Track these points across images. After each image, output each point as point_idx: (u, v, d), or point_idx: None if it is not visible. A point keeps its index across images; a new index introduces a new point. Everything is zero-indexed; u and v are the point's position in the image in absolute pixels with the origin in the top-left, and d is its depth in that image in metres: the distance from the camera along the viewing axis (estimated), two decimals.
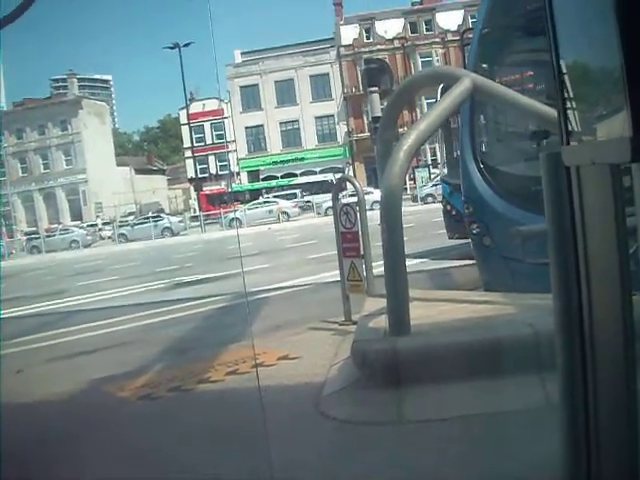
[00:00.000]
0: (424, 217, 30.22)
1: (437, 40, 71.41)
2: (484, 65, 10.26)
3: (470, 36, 10.99)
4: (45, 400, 8.35)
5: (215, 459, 5.70)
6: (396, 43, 72.39)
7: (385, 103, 10.50)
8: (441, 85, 10.21)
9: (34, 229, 72.07)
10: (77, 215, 78.95)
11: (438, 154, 66.44)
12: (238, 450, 5.80)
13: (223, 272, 20.50)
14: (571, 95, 1.76)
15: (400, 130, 11.64)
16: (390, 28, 72.76)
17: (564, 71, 1.77)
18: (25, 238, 63.45)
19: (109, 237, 57.59)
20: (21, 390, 9.12)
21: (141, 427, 6.96)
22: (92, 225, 65.12)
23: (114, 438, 6.64)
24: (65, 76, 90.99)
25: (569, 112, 1.76)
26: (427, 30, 72.99)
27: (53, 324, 14.84)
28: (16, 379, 9.89)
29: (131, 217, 67.68)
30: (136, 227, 55.16)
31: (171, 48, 68.78)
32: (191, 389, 7.99)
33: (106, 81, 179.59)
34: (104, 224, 65.63)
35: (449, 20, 69.81)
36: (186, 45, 68.56)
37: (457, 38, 61.08)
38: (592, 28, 1.51)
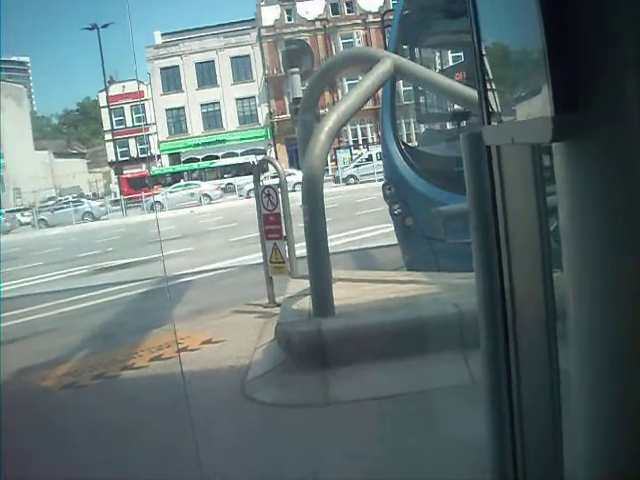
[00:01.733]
0: (346, 198, 30.37)
1: (358, 22, 71.45)
2: (405, 46, 10.32)
3: (391, 17, 11.02)
4: None
5: (141, 447, 5.65)
6: (317, 24, 72.24)
7: (306, 84, 10.49)
8: None
9: None
10: None
11: (359, 135, 67.08)
12: (164, 436, 5.76)
13: (145, 256, 20.29)
14: (492, 76, 1.76)
15: (321, 111, 11.62)
16: (311, 9, 72.58)
17: (484, 52, 1.76)
18: None
19: (28, 223, 56.50)
20: None
21: (66, 416, 6.86)
22: (11, 211, 63.84)
23: (38, 429, 6.53)
24: None
25: (489, 92, 1.76)
26: (348, 12, 72.96)
27: None
28: None
29: (51, 202, 66.51)
30: (56, 212, 54.18)
31: (89, 29, 67.62)
32: (115, 376, 7.90)
33: (23, 63, 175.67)
34: (23, 210, 64.37)
35: (370, 2, 69.90)
36: (105, 26, 67.39)
37: (378, 19, 61.43)
38: (513, 7, 1.51)
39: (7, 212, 61.42)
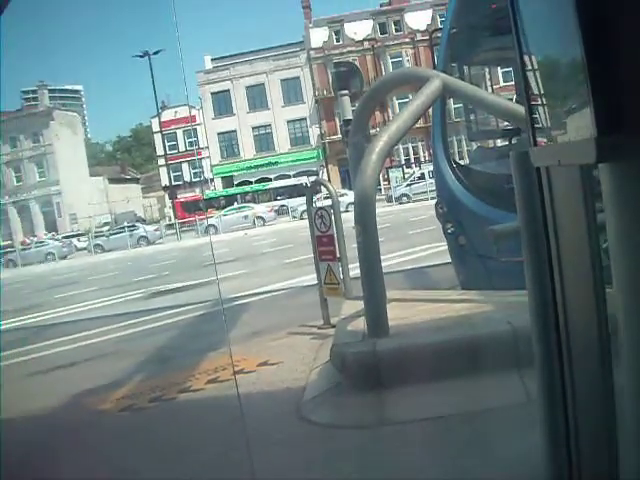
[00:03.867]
0: (399, 217, 30.31)
1: (406, 40, 71.39)
2: (453, 64, 10.30)
3: (439, 36, 11.01)
4: (25, 416, 8.28)
5: (198, 468, 5.69)
6: (366, 44, 72.33)
7: (356, 106, 10.53)
8: None
9: (9, 242, 71.56)
10: (52, 227, 78.44)
11: (411, 153, 66.95)
12: (221, 458, 5.79)
13: (200, 279, 20.42)
14: (537, 94, 1.78)
15: (373, 131, 11.65)
16: (359, 30, 72.73)
17: (529, 70, 1.78)
18: None
19: (84, 248, 57.20)
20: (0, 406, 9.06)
21: (124, 439, 6.93)
22: (67, 237, 64.66)
23: (97, 451, 6.61)
24: (36, 88, 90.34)
25: (535, 111, 1.77)
26: (396, 31, 72.98)
27: (32, 338, 14.73)
28: None
29: (106, 227, 67.29)
30: (112, 237, 54.84)
31: (141, 56, 68.57)
32: (172, 399, 7.97)
33: (77, 91, 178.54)
34: (79, 235, 65.17)
35: (418, 20, 69.84)
36: (156, 53, 68.28)
37: (426, 38, 61.28)
38: (555, 27, 1.52)
39: (64, 237, 62.26)
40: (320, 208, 10.39)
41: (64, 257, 53.40)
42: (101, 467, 6.15)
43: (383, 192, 49.01)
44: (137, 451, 6.40)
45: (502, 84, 19.37)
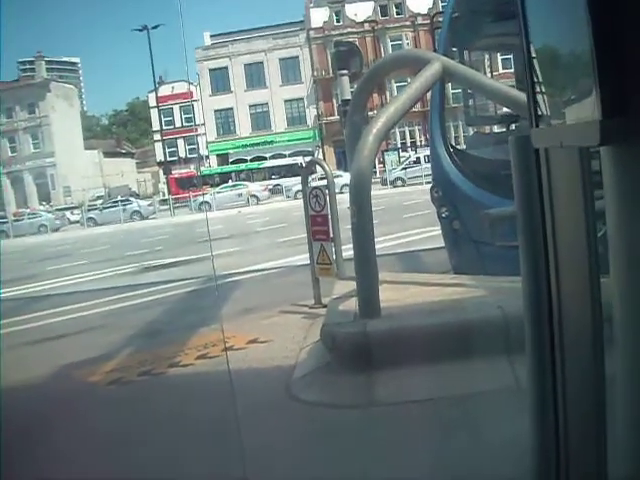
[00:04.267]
0: (394, 200, 30.31)
1: (407, 24, 71.15)
2: (454, 49, 10.27)
3: (440, 19, 10.98)
4: (13, 386, 8.28)
5: (186, 443, 5.70)
6: (366, 26, 72.07)
7: (355, 86, 10.50)
8: None
9: (2, 213, 71.42)
10: (45, 199, 78.29)
11: (407, 137, 66.88)
12: (209, 434, 5.80)
13: (193, 256, 20.43)
14: (540, 78, 1.77)
15: (370, 113, 11.61)
16: (360, 11, 72.46)
17: (534, 54, 1.77)
18: None
19: (77, 221, 57.11)
20: None
21: (112, 412, 6.94)
22: (60, 209, 64.54)
23: (84, 423, 6.62)
24: (33, 58, 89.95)
25: (538, 95, 1.76)
26: (397, 14, 72.76)
27: (22, 309, 14.72)
28: None
29: (100, 201, 67.18)
30: (105, 211, 54.75)
31: (140, 30, 68.34)
32: (161, 373, 7.98)
33: (74, 64, 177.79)
34: (73, 208, 65.09)
35: (419, 3, 69.54)
36: (155, 27, 68.06)
37: (427, 22, 61.07)
38: (562, 11, 1.51)
39: (57, 210, 62.14)
40: (315, 188, 10.38)
41: (56, 229, 53.31)
42: (87, 438, 6.16)
43: (378, 175, 48.97)
44: (124, 424, 6.41)
45: (501, 71, 19.35)
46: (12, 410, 7.19)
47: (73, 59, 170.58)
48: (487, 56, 12.99)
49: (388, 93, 59.73)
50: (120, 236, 38.09)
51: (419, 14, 68.90)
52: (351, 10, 72.67)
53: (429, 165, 10.98)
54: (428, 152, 13.60)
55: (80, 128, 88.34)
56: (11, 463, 5.70)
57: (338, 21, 73.26)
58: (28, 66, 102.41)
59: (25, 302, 16.07)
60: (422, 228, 17.70)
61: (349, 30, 71.04)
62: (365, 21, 72.38)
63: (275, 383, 6.89)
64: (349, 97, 10.87)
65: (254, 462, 4.98)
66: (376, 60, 48.15)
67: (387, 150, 58.94)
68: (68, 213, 60.81)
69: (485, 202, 8.71)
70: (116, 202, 55.68)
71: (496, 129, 12.51)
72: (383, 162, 55.24)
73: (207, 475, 5.14)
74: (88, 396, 7.68)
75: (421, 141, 65.14)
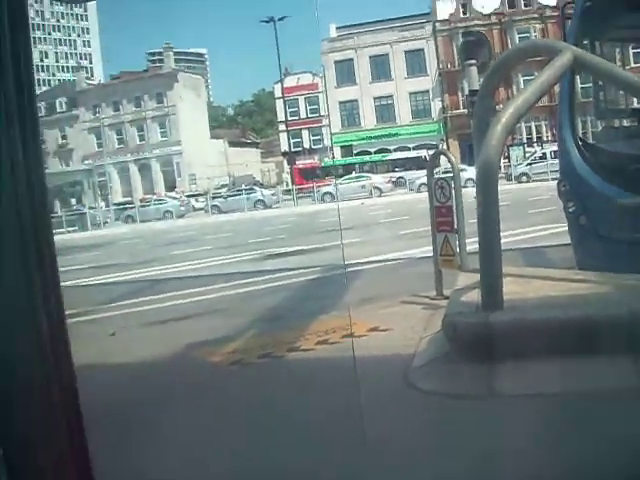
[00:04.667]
0: (518, 196, 29.87)
1: (535, 15, 69.85)
2: (585, 41, 10.05)
3: (570, 11, 10.75)
4: (137, 362, 8.57)
5: (304, 426, 5.77)
6: (493, 18, 71.10)
7: (482, 77, 10.39)
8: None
9: (129, 199, 73.46)
10: (171, 186, 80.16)
11: (533, 132, 65.75)
12: (327, 418, 5.87)
13: (315, 245, 20.63)
14: None
15: (497, 107, 11.49)
16: (487, 3, 71.50)
17: None
18: (114, 208, 64.78)
19: (202, 208, 58.33)
20: (114, 351, 9.39)
21: (231, 392, 7.08)
22: (186, 196, 66.06)
23: (204, 402, 6.78)
24: (161, 50, 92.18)
25: None
26: (525, 5, 71.48)
27: (147, 290, 15.16)
28: (110, 341, 10.17)
29: (224, 189, 68.41)
30: (229, 199, 55.76)
31: (266, 22, 69.35)
32: (281, 356, 8.09)
33: (201, 55, 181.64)
34: (198, 195, 66.52)
35: None
36: (281, 19, 69.08)
37: (556, 14, 59.83)
38: None
39: (187, 196, 63.56)
40: (440, 178, 10.34)
41: (181, 216, 54.55)
42: (206, 417, 6.31)
43: (503, 170, 48.34)
44: (243, 404, 6.53)
45: (633, 65, 18.85)
46: (139, 386, 7.46)
47: (200, 50, 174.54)
48: (619, 49, 12.67)
49: (514, 87, 58.80)
50: (243, 224, 38.72)
51: (547, 6, 67.53)
52: (478, 2, 71.76)
53: (555, 161, 10.79)
54: (554, 148, 13.38)
55: (206, 118, 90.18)
56: (133, 437, 5.91)
57: (465, 13, 72.52)
58: (157, 57, 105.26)
59: (151, 284, 16.50)
60: (547, 224, 17.43)
61: (476, 22, 70.12)
62: (492, 13, 71.41)
63: (394, 371, 6.90)
64: (477, 87, 10.76)
65: (373, 450, 5.02)
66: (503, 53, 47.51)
67: (512, 145, 58.15)
68: (193, 200, 62.19)
69: (614, 197, 8.53)
70: (240, 191, 56.65)
71: (626, 123, 12.18)
72: (508, 157, 54.53)
73: (326, 460, 5.19)
74: (210, 375, 7.86)
75: (547, 136, 64.01)
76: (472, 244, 8.22)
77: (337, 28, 79.34)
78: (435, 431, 5.52)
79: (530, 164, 49.99)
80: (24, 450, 1.76)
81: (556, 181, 10.31)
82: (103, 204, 71.83)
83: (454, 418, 5.68)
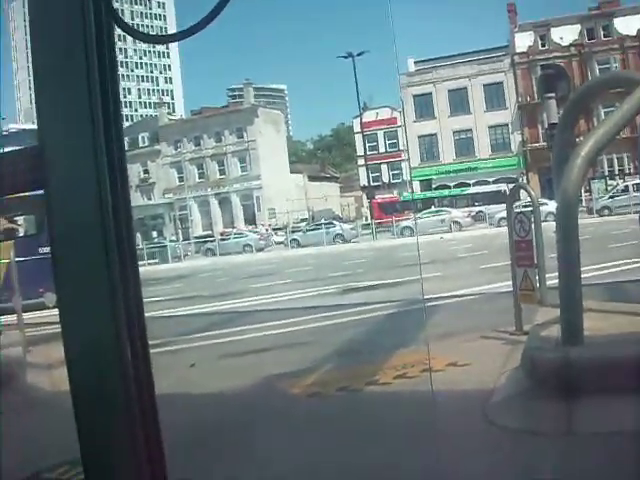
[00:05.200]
0: (600, 230, 29.41)
1: (615, 46, 68.90)
2: None
3: None
4: (215, 393, 8.67)
5: (381, 459, 5.76)
6: (572, 50, 70.24)
7: (562, 110, 10.33)
8: None
9: (209, 232, 74.34)
10: (251, 220, 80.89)
11: (615, 164, 64.74)
12: (405, 452, 5.85)
13: (394, 279, 20.59)
14: None
15: (577, 139, 11.39)
16: (566, 34, 70.78)
17: None
18: (194, 241, 65.72)
19: (281, 242, 58.75)
20: (194, 382, 9.51)
21: (310, 424, 7.11)
22: (274, 229, 66.79)
23: (283, 433, 6.82)
24: (241, 85, 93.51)
25: None
26: (605, 36, 70.54)
27: (227, 323, 15.29)
28: (190, 372, 10.29)
29: (304, 223, 68.81)
30: (308, 233, 56.05)
31: (345, 57, 69.90)
32: (359, 390, 8.10)
33: (281, 90, 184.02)
34: (277, 229, 67.10)
35: (628, 25, 67.32)
36: (359, 54, 69.55)
37: (637, 43, 59.13)
38: None
39: (274, 229, 64.23)
40: (520, 212, 10.29)
41: (261, 249, 54.98)
42: (287, 447, 6.34)
43: (584, 203, 47.66)
44: (321, 437, 6.56)
45: None
46: (216, 418, 7.54)
47: (280, 86, 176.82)
48: None
49: (595, 119, 58.05)
50: (323, 258, 38.84)
51: (628, 36, 66.58)
52: (556, 33, 71.05)
53: (638, 194, 10.64)
54: (637, 180, 13.15)
55: (286, 152, 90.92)
56: (211, 465, 5.97)
57: (543, 45, 71.86)
58: (237, 92, 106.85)
59: (231, 317, 16.65)
60: (628, 259, 17.13)
61: (555, 54, 69.47)
62: (571, 44, 70.56)
63: (472, 407, 6.85)
64: (556, 121, 10.70)
65: None
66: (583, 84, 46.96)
67: (594, 178, 57.31)
68: (273, 234, 62.79)
69: None
70: (319, 225, 56.89)
71: None
72: (589, 190, 53.72)
73: None
74: (288, 407, 7.91)
75: (629, 169, 62.92)
76: (553, 279, 8.13)
77: (415, 62, 79.48)
78: (513, 468, 5.46)
79: (612, 197, 49.21)
80: (105, 474, 1.81)
81: (638, 214, 10.16)
82: (183, 237, 72.84)
83: (533, 455, 5.60)
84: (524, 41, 72.51)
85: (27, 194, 2.09)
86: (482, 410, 6.66)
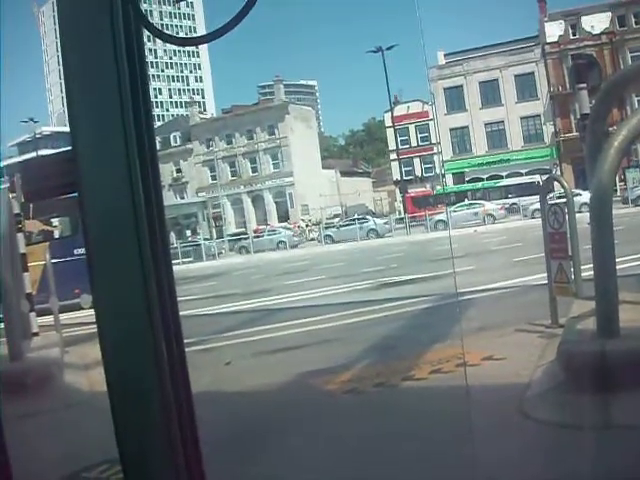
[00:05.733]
0: (635, 220, 29.15)
1: None
2: None
3: None
4: (252, 390, 8.71)
5: (418, 454, 5.77)
6: (604, 38, 69.41)
7: (594, 100, 10.25)
8: None
9: (242, 230, 74.57)
10: (284, 217, 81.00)
11: None
12: (439, 448, 5.85)
13: (428, 273, 20.55)
14: None
15: (609, 129, 11.30)
16: (597, 23, 69.96)
17: None
18: (228, 239, 66.00)
19: (314, 238, 58.81)
20: (230, 380, 9.56)
21: (347, 420, 7.13)
22: (298, 227, 66.81)
23: (320, 429, 6.84)
24: (272, 82, 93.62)
25: None
26: (636, 23, 69.62)
27: (262, 320, 15.34)
28: (225, 370, 10.35)
29: (337, 219, 68.81)
30: (342, 229, 56.03)
31: (374, 52, 69.82)
32: (395, 385, 8.12)
33: (311, 86, 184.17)
34: (315, 224, 67.33)
35: None
36: (389, 48, 69.43)
37: None
38: None
39: (285, 228, 64.29)
40: (554, 204, 10.23)
41: (295, 246, 55.03)
42: (322, 444, 6.36)
43: (619, 193, 47.20)
44: (358, 432, 6.57)
45: None
46: (252, 415, 7.58)
47: (310, 82, 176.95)
48: None
49: (628, 108, 57.46)
50: (356, 253, 38.82)
51: None
52: (587, 22, 70.31)
53: None
54: None
55: (318, 148, 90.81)
56: (249, 462, 6.00)
57: (574, 34, 71.13)
58: (267, 90, 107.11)
59: (265, 314, 16.70)
60: None
61: (585, 43, 68.75)
62: (602, 33, 69.73)
63: (508, 400, 6.84)
64: (588, 111, 10.61)
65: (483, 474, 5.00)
66: (614, 73, 46.54)
67: (628, 167, 56.68)
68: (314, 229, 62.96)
69: None
70: (353, 220, 56.85)
71: None
72: (624, 180, 53.20)
73: None
74: (325, 403, 7.93)
75: None
76: (588, 270, 8.08)
77: (445, 55, 79.14)
78: (549, 462, 5.43)
79: None
80: (143, 473, 1.83)
81: None
82: (217, 235, 73.13)
83: (568, 448, 5.58)
84: (554, 30, 71.86)
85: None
86: (518, 404, 6.64)
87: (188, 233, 75.19)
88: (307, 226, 65.36)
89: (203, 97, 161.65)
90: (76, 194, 1.90)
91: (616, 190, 43.62)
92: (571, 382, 6.51)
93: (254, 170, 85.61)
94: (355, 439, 6.42)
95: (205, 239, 63.99)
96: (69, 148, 1.93)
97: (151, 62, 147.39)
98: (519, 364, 8.01)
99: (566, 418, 6.19)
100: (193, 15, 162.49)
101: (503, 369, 8.03)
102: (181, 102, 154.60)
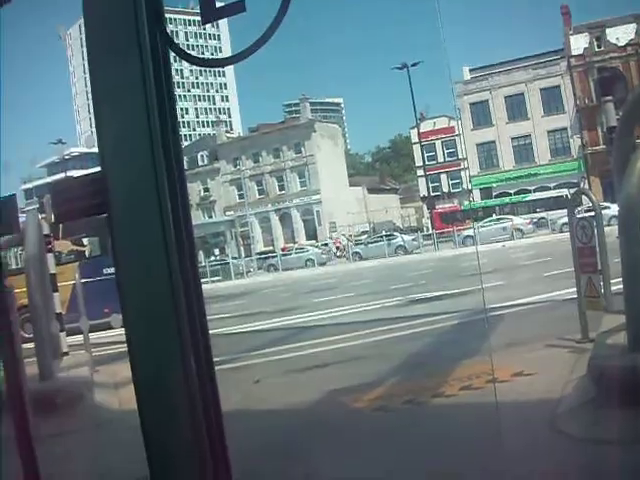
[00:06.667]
0: None
1: None
2: None
3: None
4: (282, 409, 8.70)
5: (448, 472, 5.74)
6: (629, 50, 69.12)
7: (620, 112, 10.19)
8: None
9: (270, 248, 74.78)
10: (312, 234, 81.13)
11: None
12: (473, 464, 5.81)
13: (457, 290, 20.49)
14: None
15: (637, 141, 11.22)
16: (622, 34, 69.68)
17: None
18: (256, 257, 66.18)
19: (343, 255, 58.87)
20: (259, 398, 9.55)
21: (376, 438, 7.10)
22: (325, 244, 66.83)
23: (349, 447, 6.82)
24: (298, 101, 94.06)
25: None
26: None
27: (290, 338, 15.36)
28: (255, 388, 10.35)
29: (365, 236, 68.84)
30: (370, 245, 56.13)
31: (399, 69, 70.03)
32: (425, 402, 8.08)
33: (337, 104, 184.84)
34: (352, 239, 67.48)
35: None
36: (414, 65, 69.61)
37: None
38: None
39: (322, 245, 64.38)
40: (582, 218, 10.17)
41: (323, 263, 55.09)
42: (351, 463, 6.35)
43: None
44: (388, 450, 6.54)
45: None
46: (281, 433, 7.57)
47: (336, 99, 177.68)
48: None
49: None
50: (385, 270, 38.80)
51: None
52: (612, 34, 69.99)
53: None
54: None
55: (344, 166, 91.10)
56: None
57: (599, 46, 70.84)
58: (293, 108, 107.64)
59: (294, 332, 16.71)
60: None
61: (611, 55, 68.49)
62: (627, 44, 69.36)
63: (539, 416, 6.79)
64: (615, 124, 10.56)
65: None
66: None
67: None
68: (333, 248, 62.98)
69: None
70: (381, 237, 56.98)
71: None
72: None
73: None
74: (354, 420, 7.91)
75: None
76: (618, 284, 8.03)
77: (470, 70, 79.19)
78: (581, 478, 5.40)
79: None
80: None
81: None
82: (245, 254, 73.37)
83: (601, 464, 5.53)
84: (579, 43, 71.65)
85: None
86: (549, 420, 6.59)
87: (216, 252, 75.55)
88: (349, 241, 65.44)
89: (229, 116, 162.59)
90: (105, 214, 1.93)
91: None
92: (602, 397, 6.45)
93: (281, 188, 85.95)
94: (384, 457, 6.39)
95: (233, 258, 64.28)
96: (98, 169, 1.96)
97: (177, 82, 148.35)
98: (550, 380, 7.95)
99: (598, 434, 6.12)
100: (219, 35, 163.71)
101: (533, 385, 7.96)
102: (208, 121, 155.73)
